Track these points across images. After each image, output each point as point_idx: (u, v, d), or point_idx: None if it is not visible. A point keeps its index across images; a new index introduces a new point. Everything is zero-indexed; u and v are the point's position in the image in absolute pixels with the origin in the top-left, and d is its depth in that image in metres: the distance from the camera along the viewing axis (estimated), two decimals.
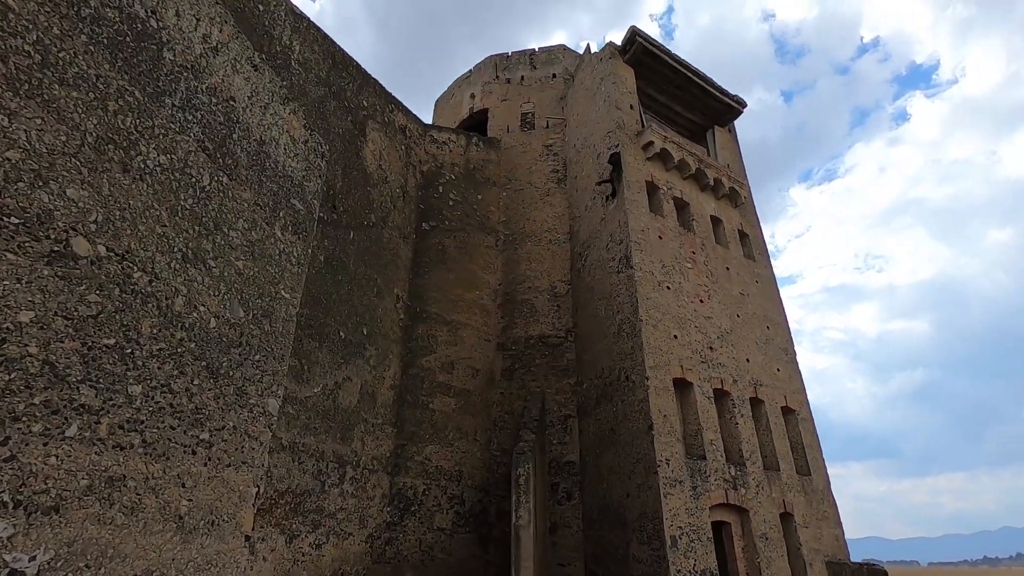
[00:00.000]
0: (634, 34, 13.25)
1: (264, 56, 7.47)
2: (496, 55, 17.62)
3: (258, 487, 4.07)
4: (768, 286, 13.27)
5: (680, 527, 8.45)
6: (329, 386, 8.09)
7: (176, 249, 3.56)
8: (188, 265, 3.63)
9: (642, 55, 13.49)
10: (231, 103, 4.20)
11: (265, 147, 4.56)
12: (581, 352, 12.08)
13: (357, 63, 9.94)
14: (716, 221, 13.25)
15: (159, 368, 3.36)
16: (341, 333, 8.56)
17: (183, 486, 3.41)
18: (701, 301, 11.39)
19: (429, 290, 12.13)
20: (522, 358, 12.75)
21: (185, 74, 3.76)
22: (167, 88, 3.60)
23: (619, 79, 13.21)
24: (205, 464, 3.62)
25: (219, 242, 3.94)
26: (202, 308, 3.73)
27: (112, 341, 3.05)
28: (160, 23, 3.57)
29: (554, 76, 16.68)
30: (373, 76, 10.56)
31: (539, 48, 17.33)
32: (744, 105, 15.17)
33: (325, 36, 8.92)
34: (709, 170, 13.22)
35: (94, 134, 3.04)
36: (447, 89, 19.18)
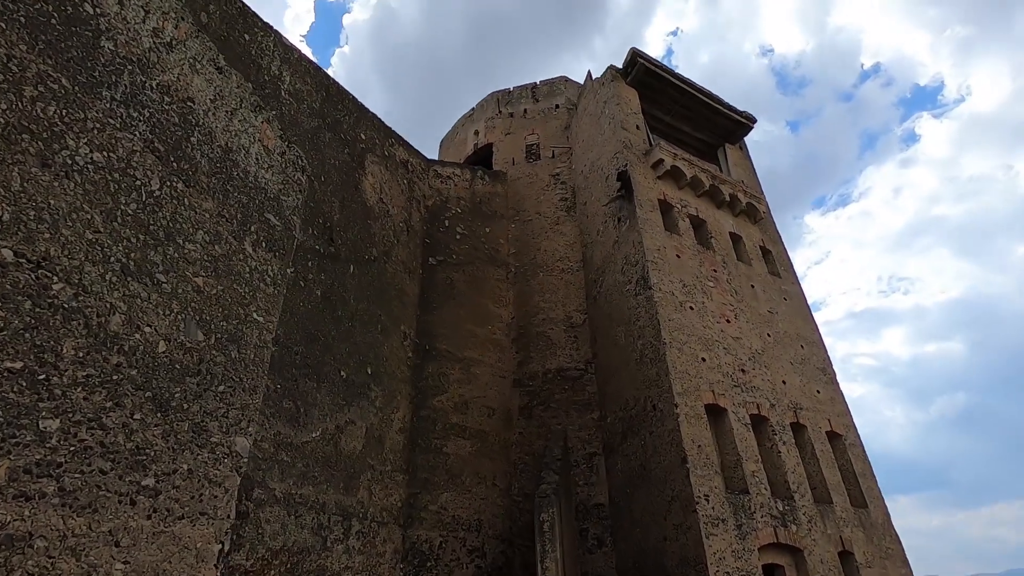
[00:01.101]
0: (635, 55, 13.05)
1: (253, 84, 7.23)
2: (498, 91, 17.61)
3: (222, 544, 3.41)
4: (797, 303, 12.47)
5: (727, 573, 7.46)
6: (330, 430, 7.45)
7: (113, 259, 3.05)
8: (129, 278, 3.11)
9: (645, 76, 13.24)
10: (188, 104, 3.78)
11: (232, 155, 4.12)
12: (603, 384, 11.30)
13: (352, 96, 9.76)
14: (736, 238, 12.61)
15: (85, 399, 2.79)
16: (342, 373, 7.98)
17: (116, 545, 2.78)
18: (728, 321, 10.64)
19: (438, 327, 11.56)
20: (540, 394, 11.99)
21: (129, 67, 3.35)
22: (105, 80, 3.18)
23: (623, 100, 12.93)
24: (149, 517, 3.00)
25: (172, 254, 3.43)
26: (147, 329, 3.19)
27: (19, 365, 2.50)
28: (98, 10, 3.18)
29: (557, 107, 16.54)
30: (371, 110, 10.36)
31: (540, 81, 17.30)
32: (754, 121, 14.77)
33: (318, 68, 8.76)
34: (724, 186, 12.70)
35: (1, 120, 2.59)
36: (451, 128, 19.18)
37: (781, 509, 8.72)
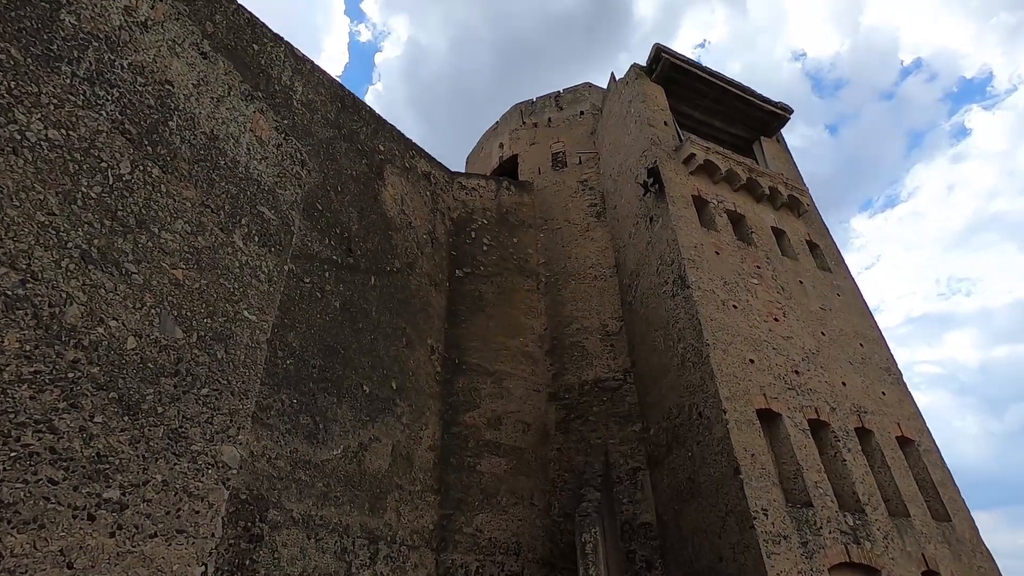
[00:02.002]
0: (659, 51, 12.60)
1: (261, 94, 7.12)
2: (521, 103, 17.42)
3: (205, 566, 3.01)
4: (852, 298, 11.53)
5: None
6: (352, 448, 7.08)
7: (71, 245, 2.75)
8: (91, 266, 2.81)
9: (670, 71, 12.76)
10: (167, 87, 3.53)
11: (219, 143, 3.85)
12: (643, 393, 10.62)
13: (370, 108, 9.63)
14: (779, 233, 11.83)
15: (32, 398, 2.46)
16: (365, 387, 7.63)
17: (69, 567, 2.41)
18: (776, 320, 9.85)
19: (468, 340, 11.16)
20: (578, 407, 11.37)
21: (95, 44, 3.11)
22: (65, 55, 2.93)
23: (648, 98, 12.46)
24: (112, 534, 2.62)
25: (144, 243, 3.13)
26: (113, 323, 2.86)
27: None
28: None
29: (582, 113, 16.18)
30: (389, 122, 10.22)
31: (564, 89, 17.02)
32: (790, 111, 14.03)
33: (332, 80, 8.65)
34: (762, 179, 11.98)
35: None
36: (476, 144, 19.06)
37: (851, 524, 7.81)
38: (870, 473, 8.68)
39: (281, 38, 7.56)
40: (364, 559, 6.74)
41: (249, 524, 5.27)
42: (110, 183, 3.02)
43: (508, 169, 16.63)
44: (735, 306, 9.51)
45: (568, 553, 9.69)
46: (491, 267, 12.55)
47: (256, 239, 3.98)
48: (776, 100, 13.95)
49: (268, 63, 7.23)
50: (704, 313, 9.02)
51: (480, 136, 18.96)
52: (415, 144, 11.18)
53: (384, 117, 9.77)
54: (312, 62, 8.18)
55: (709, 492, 8.04)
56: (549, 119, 16.58)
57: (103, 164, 3.00)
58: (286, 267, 4.22)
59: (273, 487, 5.69)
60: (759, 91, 13.76)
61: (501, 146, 17.29)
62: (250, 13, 7.00)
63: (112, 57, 3.19)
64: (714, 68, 13.61)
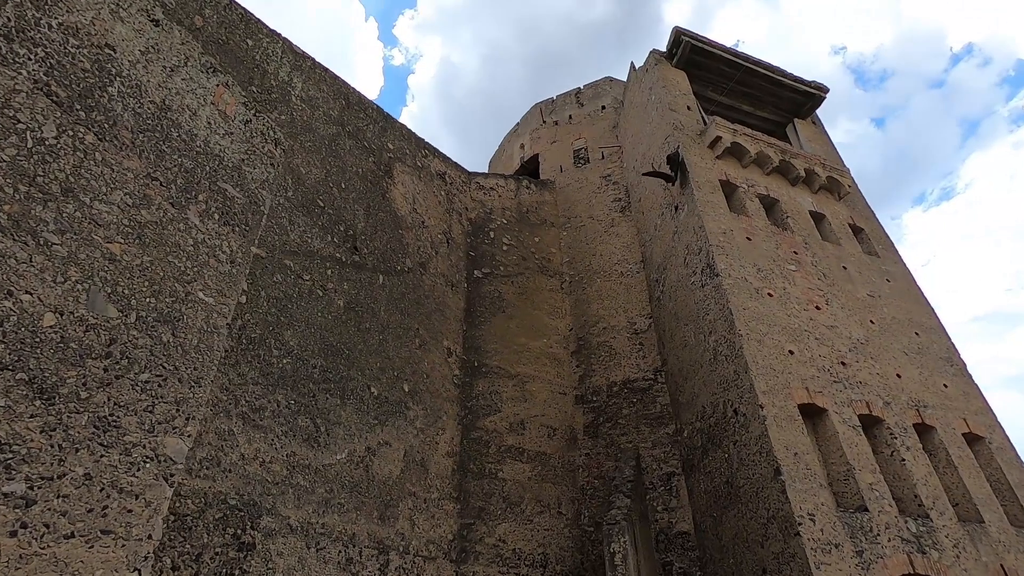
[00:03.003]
0: (679, 34, 12.03)
1: (256, 88, 6.96)
2: (541, 102, 17.06)
3: (139, 571, 2.66)
4: (904, 284, 10.57)
5: None
6: (359, 452, 6.73)
7: None
8: None
9: (692, 55, 12.16)
10: (107, 52, 3.27)
11: (172, 114, 3.58)
12: (675, 393, 9.94)
13: (378, 106, 9.43)
14: (818, 217, 11.00)
15: None
16: (372, 389, 7.30)
17: None
18: (817, 308, 9.05)
19: (488, 341, 10.74)
20: (606, 410, 10.76)
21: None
22: None
23: (669, 83, 11.88)
24: (12, 534, 2.29)
25: (72, 213, 2.84)
26: (25, 297, 2.56)
27: None
28: None
29: (603, 108, 15.70)
30: (399, 121, 10.00)
31: (584, 85, 16.59)
32: (825, 90, 13.17)
33: (335, 77, 8.48)
34: (796, 161, 11.20)
35: None
36: (498, 147, 18.79)
37: (914, 530, 6.94)
38: (934, 474, 7.76)
39: (278, 34, 7.44)
40: (373, 570, 6.34)
41: (239, 531, 4.95)
42: (28, 146, 2.75)
43: (530, 169, 16.26)
44: (770, 294, 8.78)
45: (599, 565, 9.05)
46: (511, 267, 12.14)
47: (216, 217, 3.68)
48: (809, 79, 13.12)
49: (264, 58, 7.09)
50: (736, 302, 8.34)
51: (501, 139, 18.71)
52: (427, 143, 10.93)
53: (408, 124, 9.54)
54: (313, 59, 8.03)
55: (749, 497, 7.31)
56: (570, 116, 16.15)
57: (20, 125, 2.74)
58: (253, 248, 3.91)
59: (267, 492, 5.38)
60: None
61: (522, 147, 16.95)
62: (243, 9, 6.89)
63: (37, 15, 2.95)
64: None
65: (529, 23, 59.19)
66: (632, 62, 13.74)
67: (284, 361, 6.04)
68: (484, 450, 9.40)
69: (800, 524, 6.37)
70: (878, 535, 6.65)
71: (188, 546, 4.50)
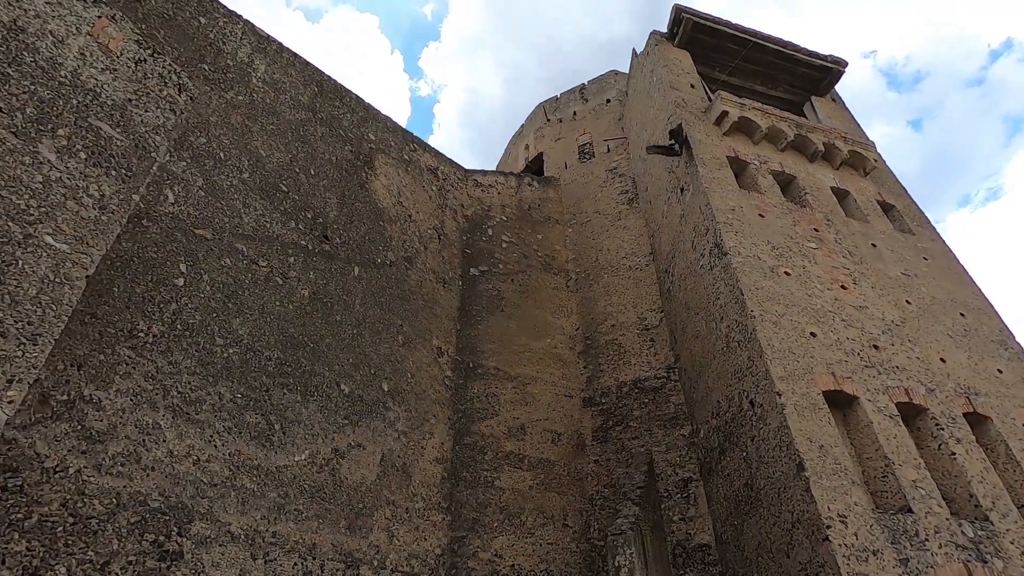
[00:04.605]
0: (679, 11, 11.38)
1: (209, 67, 6.58)
2: (545, 101, 16.56)
3: None
4: (944, 262, 9.48)
5: None
6: (324, 454, 6.09)
7: None
8: None
9: (694, 33, 11.48)
10: None
11: (25, 37, 3.09)
12: (689, 390, 9.03)
13: (357, 96, 9.02)
14: (841, 194, 10.04)
15: None
16: (343, 387, 6.68)
17: None
18: (843, 287, 8.09)
19: (484, 341, 10.05)
20: (616, 412, 9.89)
21: None
22: None
23: (671, 62, 11.20)
24: None
25: None
26: None
27: None
28: None
29: (608, 102, 15.08)
30: (382, 112, 9.58)
31: (588, 81, 16.02)
32: (844, 64, 12.28)
33: (307, 63, 8.11)
34: (813, 135, 10.30)
35: None
36: (504, 152, 18.32)
37: (971, 535, 5.87)
38: (991, 470, 6.65)
39: (238, 16, 7.11)
40: None
41: (162, 538, 4.34)
42: None
43: (534, 170, 15.67)
44: (787, 273, 7.88)
45: None
46: (512, 264, 11.48)
47: (83, 156, 3.16)
48: (825, 53, 12.25)
49: (220, 38, 6.74)
50: (746, 281, 7.48)
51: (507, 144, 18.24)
52: (416, 137, 10.48)
53: (370, 104, 9.11)
54: (280, 43, 7.68)
55: (771, 499, 6.36)
56: (574, 113, 15.58)
57: None
58: (136, 197, 3.36)
59: (202, 495, 4.77)
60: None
61: (527, 148, 16.42)
62: None
63: None
64: None
65: (549, 46, 59.35)
66: (634, 48, 13.13)
67: (231, 351, 5.48)
68: (479, 456, 8.64)
69: (829, 527, 5.41)
70: (926, 540, 5.62)
71: (91, 553, 3.91)
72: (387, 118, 9.77)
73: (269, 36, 7.54)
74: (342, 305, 7.15)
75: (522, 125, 17.34)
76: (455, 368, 9.26)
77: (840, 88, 13.09)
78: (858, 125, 12.24)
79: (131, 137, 3.55)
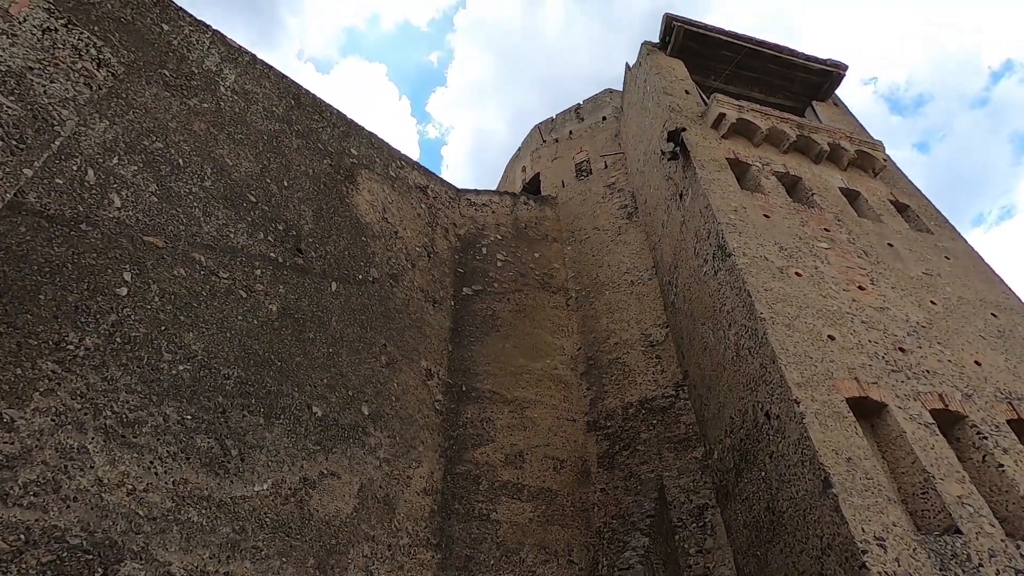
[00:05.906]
0: (670, 21, 11.16)
1: (170, 73, 6.29)
2: (540, 123, 16.37)
3: None
4: (969, 260, 8.84)
5: None
6: (291, 483, 5.48)
7: None
8: None
9: (686, 41, 11.23)
10: None
11: None
12: (700, 408, 8.33)
13: (337, 110, 8.75)
14: (852, 195, 9.50)
15: None
16: (315, 409, 6.11)
17: None
18: (861, 288, 7.45)
19: (478, 363, 9.45)
20: (623, 436, 9.16)
21: None
22: None
23: (664, 70, 10.90)
24: None
25: None
26: None
27: None
28: None
29: (604, 119, 14.84)
30: (366, 128, 9.30)
31: (583, 100, 15.85)
32: (843, 68, 11.92)
33: (283, 76, 7.87)
34: (817, 135, 9.85)
35: None
36: (501, 177, 18.09)
37: None
38: None
39: (206, 24, 6.90)
40: None
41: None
42: None
43: (531, 190, 15.35)
44: (798, 273, 7.28)
45: None
46: (507, 284, 10.97)
47: None
48: (824, 57, 11.92)
49: (184, 45, 6.49)
50: (754, 283, 6.89)
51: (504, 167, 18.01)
52: (404, 155, 10.17)
53: (352, 119, 8.82)
54: (252, 54, 7.44)
55: (795, 522, 5.61)
56: (570, 132, 15.33)
57: None
58: (29, 171, 2.91)
59: (136, 530, 4.16)
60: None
61: (523, 169, 16.15)
62: None
63: None
64: None
65: (553, 84, 60.39)
66: (627, 62, 12.90)
67: (180, 368, 4.96)
68: (473, 487, 7.93)
69: (865, 552, 4.66)
70: (980, 566, 4.83)
71: None
72: (371, 134, 9.48)
73: (241, 48, 7.32)
74: (316, 322, 6.64)
75: (518, 148, 17.14)
76: (446, 391, 8.64)
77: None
78: (861, 126, 11.79)
79: (28, 108, 3.14)
